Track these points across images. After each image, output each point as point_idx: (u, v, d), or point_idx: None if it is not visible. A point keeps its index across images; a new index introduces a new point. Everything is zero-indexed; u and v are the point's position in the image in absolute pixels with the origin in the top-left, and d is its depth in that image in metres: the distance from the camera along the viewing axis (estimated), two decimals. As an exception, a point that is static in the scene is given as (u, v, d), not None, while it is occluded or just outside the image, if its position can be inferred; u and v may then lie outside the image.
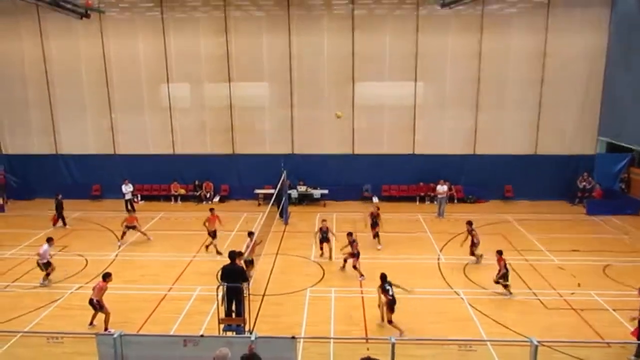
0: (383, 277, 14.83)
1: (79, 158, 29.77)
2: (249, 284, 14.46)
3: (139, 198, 29.40)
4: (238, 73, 28.11)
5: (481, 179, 27.98)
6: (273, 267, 19.15)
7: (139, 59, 28.34)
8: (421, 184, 28.06)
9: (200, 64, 28.12)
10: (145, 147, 29.44)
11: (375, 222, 20.96)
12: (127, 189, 27.00)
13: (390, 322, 14.40)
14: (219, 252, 20.38)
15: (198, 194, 29.28)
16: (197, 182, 29.31)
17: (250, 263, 17.08)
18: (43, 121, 29.70)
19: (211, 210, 21.16)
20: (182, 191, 29.52)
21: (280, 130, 28.71)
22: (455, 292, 16.96)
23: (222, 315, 13.68)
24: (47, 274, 18.02)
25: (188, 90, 29.09)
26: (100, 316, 15.12)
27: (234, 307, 13.91)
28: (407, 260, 19.83)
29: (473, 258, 19.04)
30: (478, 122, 27.65)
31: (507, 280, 16.37)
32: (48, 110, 29.57)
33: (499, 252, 16.67)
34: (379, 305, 15.01)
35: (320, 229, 19.70)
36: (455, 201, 27.72)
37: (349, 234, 18.52)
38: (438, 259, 19.79)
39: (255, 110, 28.93)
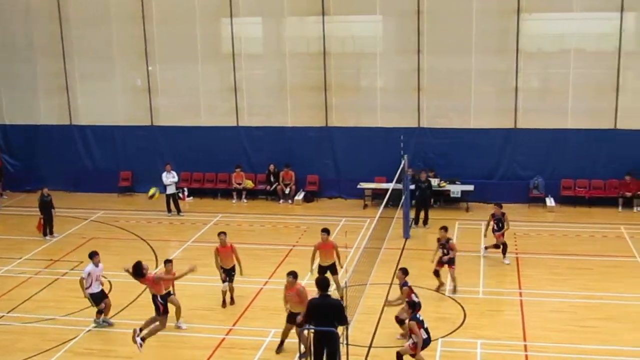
0: (412, 305, 15.80)
1: (101, 132, 31.07)
2: (347, 327, 14.46)
3: (186, 193, 30.08)
4: (336, 1, 28.32)
5: None
6: (385, 303, 18.93)
7: (190, -19, 29.31)
8: (627, 178, 27.48)
9: (281, -12, 28.83)
10: (195, 116, 30.32)
11: (502, 227, 22.14)
12: (169, 178, 27.58)
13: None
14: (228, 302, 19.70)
15: (273, 188, 29.70)
16: (271, 171, 29.77)
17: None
18: (53, 76, 31.11)
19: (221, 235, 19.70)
20: (250, 184, 30.00)
21: (401, 90, 28.79)
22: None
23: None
24: (100, 311, 18.25)
25: (260, 28, 29.85)
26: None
27: (324, 363, 13.98)
28: (603, 300, 19.40)
29: None
30: None
31: None
32: (60, 61, 30.90)
33: None
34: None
35: (438, 240, 20.09)
36: (685, 207, 27.23)
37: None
38: (655, 300, 19.42)
39: (362, 59, 29.31)
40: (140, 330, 16.51)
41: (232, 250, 19.24)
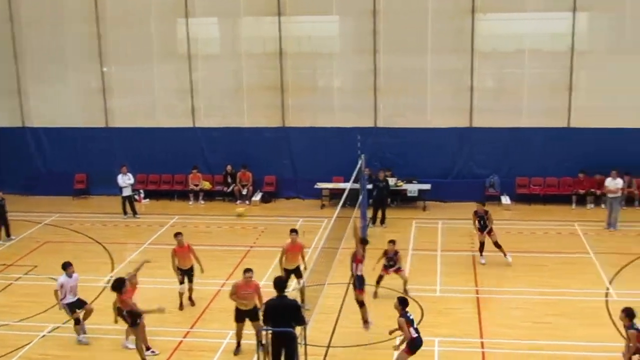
0: (403, 301, 15.05)
1: (55, 133, 30.74)
2: (305, 328, 14.53)
3: (142, 195, 30.01)
4: (293, 1, 28.50)
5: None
6: (343, 303, 19.11)
7: (144, -19, 29.19)
8: (581, 176, 27.85)
9: (237, -12, 28.83)
10: (151, 118, 30.16)
11: (485, 225, 21.96)
12: (125, 180, 27.56)
13: None
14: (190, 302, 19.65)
15: (230, 189, 29.66)
16: (228, 172, 29.72)
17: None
18: (4, 78, 30.75)
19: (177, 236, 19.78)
20: (207, 185, 29.96)
21: (358, 90, 29.02)
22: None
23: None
24: (77, 321, 17.66)
25: (217, 28, 29.88)
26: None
27: (282, 363, 14.00)
28: (557, 296, 19.62)
29: None
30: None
31: None
32: (12, 62, 30.55)
33: None
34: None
35: (386, 252, 19.77)
36: (637, 204, 27.79)
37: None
38: (606, 295, 19.59)
39: (319, 59, 29.59)
40: (147, 347, 16.59)
41: (190, 250, 19.07)
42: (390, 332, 15.73)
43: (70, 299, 17.50)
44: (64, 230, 26.47)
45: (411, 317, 14.88)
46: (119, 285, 15.95)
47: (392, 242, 19.67)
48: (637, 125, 27.44)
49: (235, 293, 16.24)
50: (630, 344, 14.10)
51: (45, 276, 21.76)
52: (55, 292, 17.48)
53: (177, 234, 19.19)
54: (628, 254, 22.30)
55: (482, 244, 21.94)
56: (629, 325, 14.16)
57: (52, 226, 26.89)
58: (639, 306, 17.71)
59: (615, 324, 17.58)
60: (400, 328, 14.79)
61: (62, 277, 17.46)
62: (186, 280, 19.14)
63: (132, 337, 16.93)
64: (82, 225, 26.71)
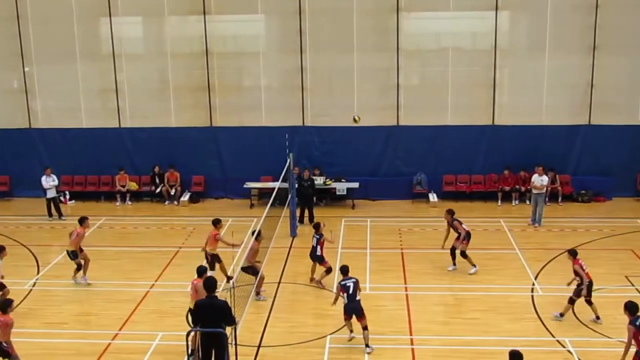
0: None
1: (-24, 135, 29.91)
2: (236, 328, 14.54)
3: (68, 196, 29.43)
4: (218, 0, 28.36)
5: (602, 165, 28.32)
6: (274, 302, 19.09)
7: (66, -21, 28.57)
8: (506, 173, 28.27)
9: (161, -13, 28.49)
10: (76, 118, 29.58)
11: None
12: (49, 182, 27.03)
13: None
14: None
15: (158, 189, 29.34)
16: (156, 172, 29.38)
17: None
18: None
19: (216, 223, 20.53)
20: (134, 186, 29.56)
21: (285, 89, 29.00)
22: (559, 342, 16.73)
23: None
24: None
25: (141, 28, 29.55)
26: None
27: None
28: (484, 292, 19.83)
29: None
30: (597, 74, 27.81)
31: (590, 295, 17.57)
32: None
33: (573, 253, 17.75)
34: None
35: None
36: (560, 200, 28.14)
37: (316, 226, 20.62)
38: (532, 290, 19.84)
39: (245, 59, 29.39)
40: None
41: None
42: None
43: None
44: (-14, 233, 25.78)
45: None
46: (3, 305, 14.67)
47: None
48: (560, 122, 28.02)
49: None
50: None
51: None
52: None
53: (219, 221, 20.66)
54: (552, 249, 22.64)
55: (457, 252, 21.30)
56: (631, 320, 14.09)
57: (-26, 230, 26.15)
58: (563, 301, 18.37)
59: (540, 318, 17.95)
60: None
61: None
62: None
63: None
64: (5, 228, 25.94)
